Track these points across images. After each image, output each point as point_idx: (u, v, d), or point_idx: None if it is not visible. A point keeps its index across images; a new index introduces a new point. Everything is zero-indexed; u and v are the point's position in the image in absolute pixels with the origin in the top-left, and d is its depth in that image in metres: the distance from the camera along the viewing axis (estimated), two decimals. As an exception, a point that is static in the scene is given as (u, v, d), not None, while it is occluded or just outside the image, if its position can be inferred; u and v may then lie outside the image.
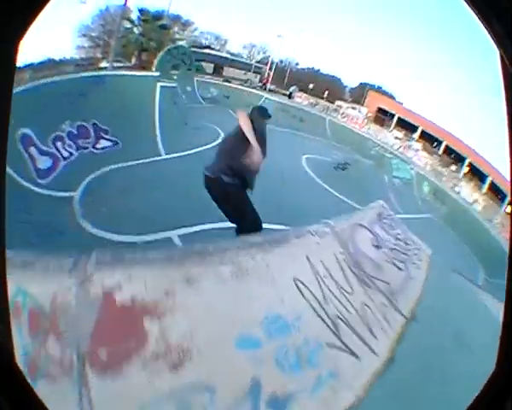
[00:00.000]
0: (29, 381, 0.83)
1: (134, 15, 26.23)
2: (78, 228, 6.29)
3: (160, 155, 9.86)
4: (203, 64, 30.36)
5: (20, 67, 24.27)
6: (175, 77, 16.63)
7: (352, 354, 2.62)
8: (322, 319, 2.60)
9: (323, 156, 15.52)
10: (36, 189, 7.37)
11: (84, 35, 32.83)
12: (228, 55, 39.04)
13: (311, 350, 2.42)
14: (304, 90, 34.94)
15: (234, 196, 4.66)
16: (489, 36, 0.74)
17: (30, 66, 24.79)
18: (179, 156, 10.02)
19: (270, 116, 4.80)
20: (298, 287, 2.63)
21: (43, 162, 8.04)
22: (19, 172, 7.30)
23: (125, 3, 22.87)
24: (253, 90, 26.14)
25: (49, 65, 27.01)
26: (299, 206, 8.59)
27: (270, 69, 33.51)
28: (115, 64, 23.12)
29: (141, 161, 9.03)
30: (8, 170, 7.16)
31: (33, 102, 8.12)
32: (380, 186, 13.40)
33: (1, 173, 0.88)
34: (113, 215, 6.58)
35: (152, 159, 9.46)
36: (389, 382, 2.64)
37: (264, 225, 4.82)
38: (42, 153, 8.14)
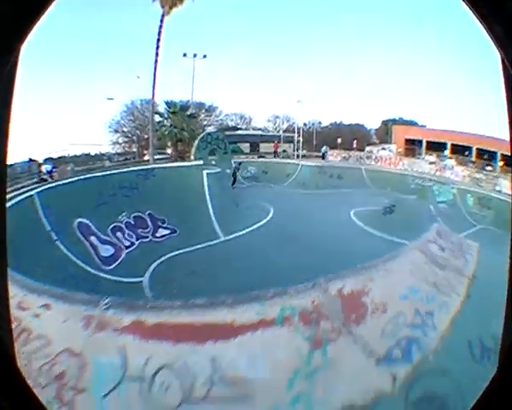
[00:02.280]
0: (30, 383, 0.86)
1: (161, 108, 27.57)
2: None
3: (219, 238, 10.19)
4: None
5: (58, 158, 26.02)
6: (213, 162, 17.49)
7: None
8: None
9: (369, 206, 15.42)
10: (102, 275, 7.94)
11: (116, 130, 35.29)
12: (260, 132, 40.85)
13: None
14: (333, 146, 35.53)
15: None
16: (490, 39, 0.75)
17: (65, 158, 26.66)
18: (237, 237, 10.31)
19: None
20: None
21: (106, 250, 8.71)
22: (83, 259, 7.93)
23: (153, 97, 24.82)
24: (289, 160, 26.94)
25: (85, 159, 29.00)
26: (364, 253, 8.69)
27: (299, 134, 34.58)
28: (156, 156, 24.65)
29: (202, 245, 9.43)
30: (72, 257, 7.82)
31: (84, 194, 9.05)
32: (428, 217, 13.18)
33: (2, 178, 0.85)
34: (185, 296, 6.86)
35: (212, 242, 9.84)
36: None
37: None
38: (103, 242, 8.83)
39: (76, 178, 9.80)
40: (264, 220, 11.55)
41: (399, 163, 29.46)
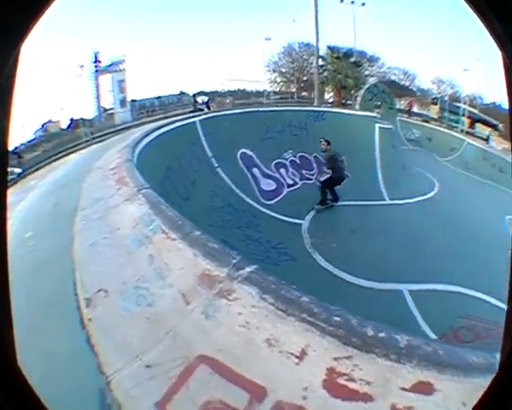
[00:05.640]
0: (30, 382, 0.82)
1: (321, 53, 26.60)
2: (308, 257, 6.41)
3: (384, 200, 9.54)
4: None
5: (210, 92, 28.36)
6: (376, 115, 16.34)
7: None
8: None
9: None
10: (261, 208, 7.88)
11: (274, 70, 35.75)
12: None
13: None
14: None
15: None
16: (491, 38, 0.74)
17: (218, 93, 28.76)
18: (401, 204, 9.50)
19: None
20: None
21: (267, 184, 8.66)
22: (243, 189, 7.97)
23: (317, 42, 24.19)
24: (453, 133, 23.80)
25: (242, 94, 30.62)
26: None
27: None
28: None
29: (367, 203, 8.87)
30: (232, 185, 7.94)
31: (249, 127, 8.94)
32: None
33: (3, 174, 0.83)
34: (342, 253, 6.50)
35: (377, 202, 9.24)
36: None
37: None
38: (265, 175, 8.79)
39: (242, 110, 9.81)
40: (429, 195, 10.41)
41: None
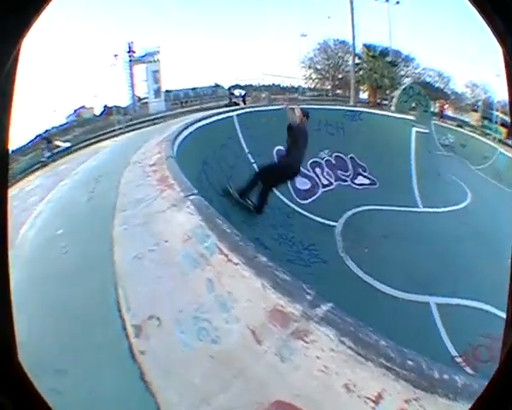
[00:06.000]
0: (32, 379, 0.80)
1: (357, 51, 26.38)
2: (340, 262, 6.41)
3: (418, 207, 9.42)
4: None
5: (255, 87, 28.54)
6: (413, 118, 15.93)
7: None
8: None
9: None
10: (295, 207, 7.87)
11: (309, 66, 35.67)
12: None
13: None
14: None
15: None
16: (492, 34, 0.75)
17: (253, 87, 28.88)
18: (434, 212, 9.37)
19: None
20: None
21: (302, 183, 8.62)
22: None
23: (354, 40, 23.82)
24: (486, 140, 22.92)
25: (276, 90, 30.56)
26: None
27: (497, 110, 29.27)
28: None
29: (401, 209, 8.78)
30: None
31: (284, 123, 9.00)
32: None
33: (4, 174, 0.81)
34: (374, 259, 6.47)
35: (410, 209, 9.13)
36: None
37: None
38: (300, 174, 8.74)
39: (279, 107, 9.68)
40: (462, 205, 10.15)
41: None
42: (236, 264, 1.77)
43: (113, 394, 1.52)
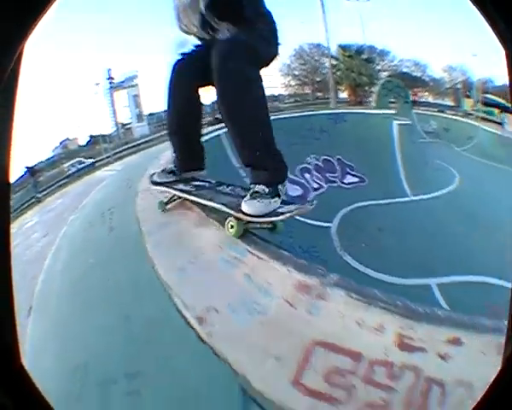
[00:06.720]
0: (34, 381, 0.82)
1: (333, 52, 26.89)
2: (339, 259, 6.60)
3: (407, 196, 9.71)
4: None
5: None
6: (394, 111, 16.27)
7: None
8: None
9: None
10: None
11: (287, 74, 35.28)
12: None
13: None
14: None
15: None
16: (495, 36, 0.74)
17: None
18: (424, 199, 9.64)
19: None
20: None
21: (294, 190, 8.78)
22: None
23: (328, 43, 24.34)
24: (468, 120, 23.58)
25: None
26: None
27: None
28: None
29: (392, 201, 9.07)
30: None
31: (276, 135, 9.28)
32: None
33: (5, 177, 0.83)
34: (372, 252, 6.68)
35: (400, 199, 9.42)
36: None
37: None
38: (291, 181, 8.70)
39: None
40: (451, 187, 10.52)
41: None
42: (265, 260, 2.19)
43: (186, 373, 1.82)
